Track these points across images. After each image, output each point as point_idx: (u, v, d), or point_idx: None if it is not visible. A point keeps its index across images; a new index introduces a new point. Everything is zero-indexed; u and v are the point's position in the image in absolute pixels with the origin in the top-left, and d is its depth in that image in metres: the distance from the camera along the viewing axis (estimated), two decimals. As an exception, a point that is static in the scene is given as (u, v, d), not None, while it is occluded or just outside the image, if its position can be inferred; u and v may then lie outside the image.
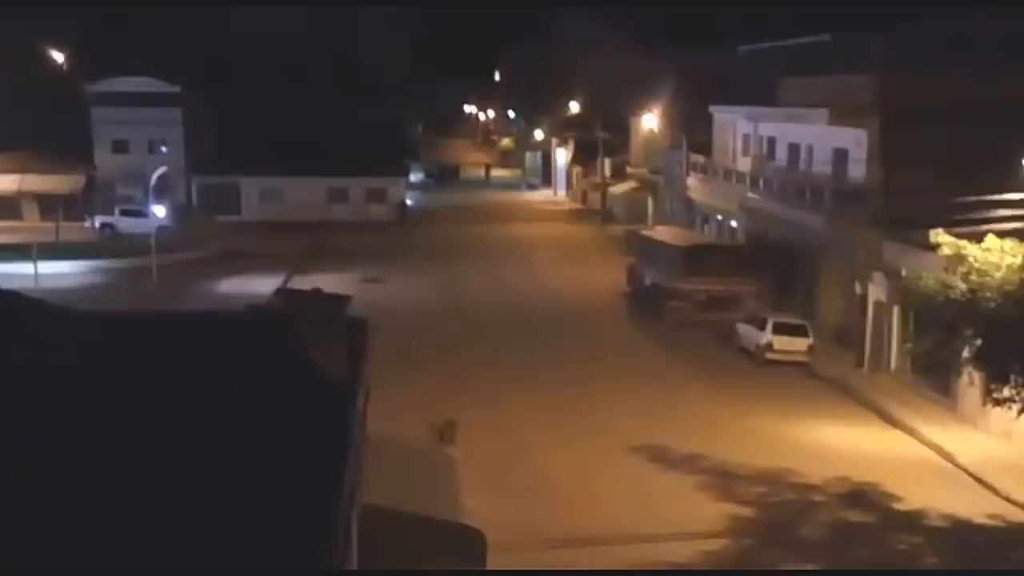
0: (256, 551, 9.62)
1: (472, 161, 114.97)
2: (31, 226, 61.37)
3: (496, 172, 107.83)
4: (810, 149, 40.41)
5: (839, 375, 32.46)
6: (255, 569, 9.25)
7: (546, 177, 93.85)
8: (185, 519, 9.77)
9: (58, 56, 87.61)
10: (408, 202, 74.21)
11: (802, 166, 41.01)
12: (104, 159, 67.47)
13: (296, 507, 10.45)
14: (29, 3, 77.76)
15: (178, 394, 12.74)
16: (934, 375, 28.46)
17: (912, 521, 21.92)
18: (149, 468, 10.35)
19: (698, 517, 21.70)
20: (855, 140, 36.04)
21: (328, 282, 33.54)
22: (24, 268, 42.60)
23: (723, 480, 23.71)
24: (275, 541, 9.85)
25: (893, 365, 32.28)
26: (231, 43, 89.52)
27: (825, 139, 38.62)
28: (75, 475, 9.96)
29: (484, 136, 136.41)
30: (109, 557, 9.03)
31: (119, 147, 67.79)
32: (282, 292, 18.98)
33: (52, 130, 64.78)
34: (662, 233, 46.15)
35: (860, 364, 33.22)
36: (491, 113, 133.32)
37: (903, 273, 31.03)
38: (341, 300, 18.19)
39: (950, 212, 28.69)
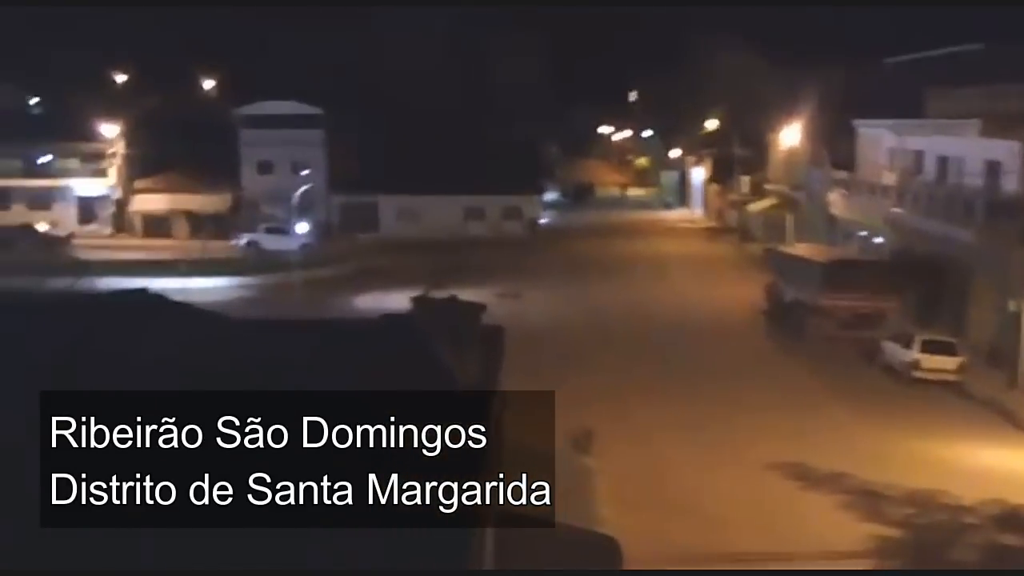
0: (394, 553, 9.60)
1: (607, 181, 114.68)
2: (180, 243, 63.76)
3: (632, 191, 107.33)
4: (960, 162, 38.94)
5: (991, 395, 31.02)
6: (394, 570, 9.23)
7: (682, 196, 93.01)
8: (324, 523, 9.81)
9: (208, 82, 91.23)
10: (542, 220, 74.44)
11: (952, 179, 39.54)
12: (250, 179, 69.73)
13: (433, 509, 10.40)
14: (182, 27, 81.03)
15: (316, 398, 12.86)
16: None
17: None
18: (287, 475, 10.42)
19: (842, 537, 20.91)
20: (1009, 152, 34.58)
21: (464, 297, 33.78)
22: (173, 283, 44.12)
23: (868, 500, 22.83)
24: (413, 543, 9.82)
25: (1049, 385, 30.76)
26: (370, 66, 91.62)
27: (976, 151, 37.17)
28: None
29: (619, 156, 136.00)
30: (255, 557, 9.12)
31: (264, 168, 69.92)
32: (419, 300, 19.12)
33: (202, 152, 67.44)
34: (802, 249, 45.09)
35: (1013, 383, 31.71)
36: (626, 133, 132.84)
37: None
38: (476, 308, 18.21)
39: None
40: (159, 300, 14.42)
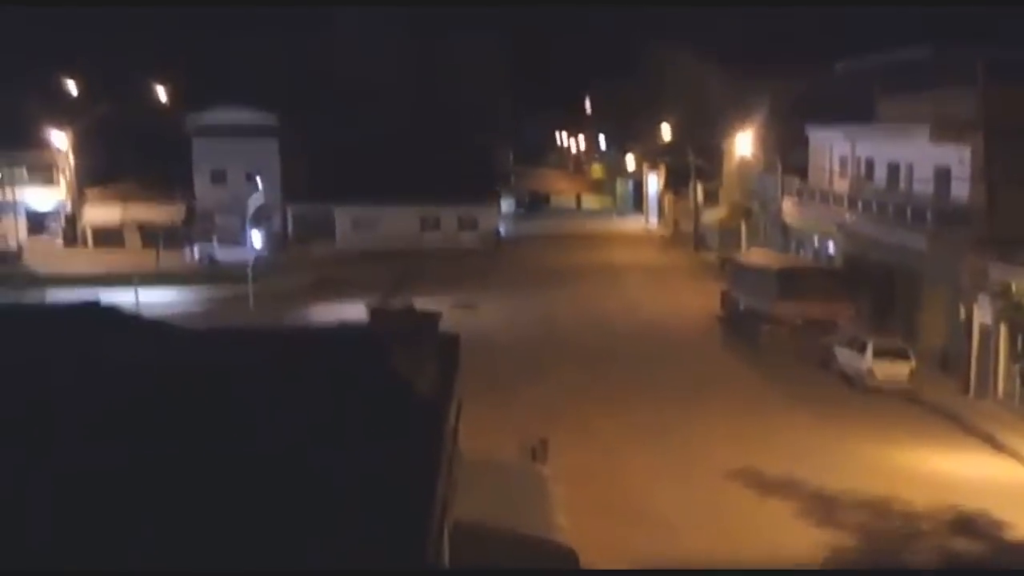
0: (349, 560, 9.48)
1: (563, 190, 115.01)
2: (133, 255, 63.06)
3: (587, 200, 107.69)
4: (910, 168, 39.36)
5: (943, 400, 31.36)
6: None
7: (637, 205, 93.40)
8: (278, 528, 9.68)
9: (160, 90, 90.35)
10: (500, 230, 74.47)
11: (902, 186, 39.97)
12: (203, 189, 68.98)
13: (388, 518, 10.28)
14: (134, 34, 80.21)
15: (270, 406, 12.70)
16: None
17: (1023, 549, 20.98)
18: (238, 475, 10.28)
19: (797, 543, 21.01)
20: (958, 158, 34.98)
21: (421, 307, 33.61)
22: (125, 295, 43.55)
23: (823, 506, 22.98)
24: (367, 551, 9.70)
25: (1000, 390, 31.12)
26: (326, 74, 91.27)
27: (926, 157, 37.57)
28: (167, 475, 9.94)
29: (575, 165, 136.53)
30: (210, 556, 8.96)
31: (218, 177, 69.18)
32: (375, 309, 18.99)
33: (154, 162, 66.74)
34: (756, 256, 45.40)
35: (965, 389, 32.08)
36: (582, 142, 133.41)
37: (1012, 293, 30.06)
38: (433, 316, 18.10)
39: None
40: (111, 312, 14.22)
